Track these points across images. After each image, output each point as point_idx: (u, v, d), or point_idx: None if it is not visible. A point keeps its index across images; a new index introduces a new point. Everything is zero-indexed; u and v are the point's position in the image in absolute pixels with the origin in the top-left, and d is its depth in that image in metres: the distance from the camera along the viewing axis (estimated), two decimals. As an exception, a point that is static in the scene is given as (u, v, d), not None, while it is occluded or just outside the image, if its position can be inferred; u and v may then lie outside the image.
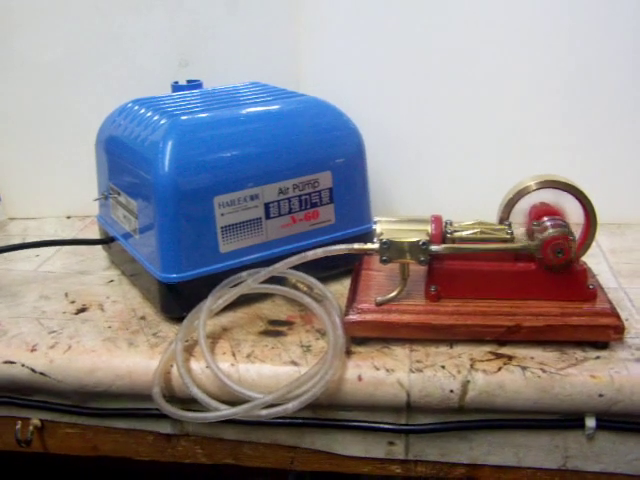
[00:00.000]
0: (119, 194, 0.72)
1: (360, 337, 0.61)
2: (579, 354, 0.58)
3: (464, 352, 0.59)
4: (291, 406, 0.54)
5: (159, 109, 0.69)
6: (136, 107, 0.72)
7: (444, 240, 0.61)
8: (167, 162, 0.62)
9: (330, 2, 0.83)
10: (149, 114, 0.69)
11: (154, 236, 0.65)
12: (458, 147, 0.85)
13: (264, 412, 0.54)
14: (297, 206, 0.68)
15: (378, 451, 0.61)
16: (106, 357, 0.61)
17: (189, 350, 0.61)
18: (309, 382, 0.55)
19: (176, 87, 0.81)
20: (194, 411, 0.56)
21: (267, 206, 0.67)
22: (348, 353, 0.59)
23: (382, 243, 0.60)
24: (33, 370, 0.61)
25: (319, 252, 0.61)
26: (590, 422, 0.57)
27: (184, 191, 0.63)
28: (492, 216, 0.64)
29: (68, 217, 0.95)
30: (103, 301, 0.71)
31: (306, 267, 0.62)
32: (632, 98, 0.80)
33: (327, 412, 0.59)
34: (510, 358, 0.58)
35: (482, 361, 0.58)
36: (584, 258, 0.63)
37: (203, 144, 0.64)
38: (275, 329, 0.64)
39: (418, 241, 0.59)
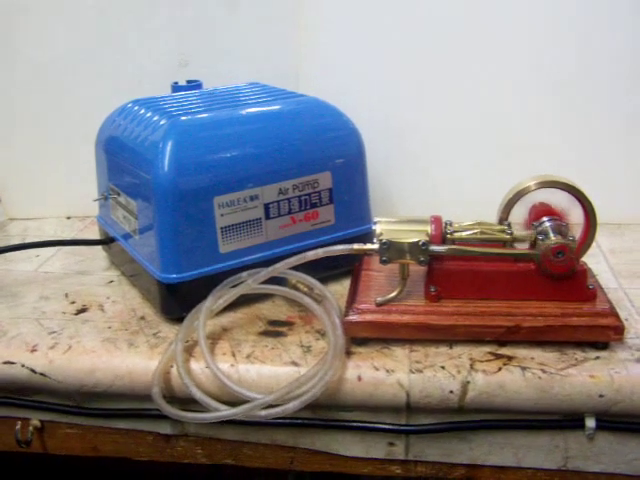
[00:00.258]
0: (119, 194, 0.72)
1: (360, 337, 0.61)
2: (579, 354, 0.58)
3: (464, 352, 0.59)
4: (291, 406, 0.54)
5: (159, 109, 0.69)
6: (136, 107, 0.72)
7: (444, 240, 0.61)
8: (167, 162, 0.62)
9: (330, 2, 0.83)
10: (149, 114, 0.69)
11: (154, 236, 0.65)
12: (458, 147, 0.85)
13: (264, 412, 0.54)
14: (297, 206, 0.68)
15: (378, 451, 0.61)
16: (106, 357, 0.61)
17: (189, 350, 0.61)
18: (309, 382, 0.55)
19: (176, 87, 0.80)
20: (194, 411, 0.56)
21: (267, 206, 0.67)
22: (348, 353, 0.59)
23: (382, 243, 0.60)
24: (33, 370, 0.61)
25: (319, 252, 0.61)
26: (590, 422, 0.57)
27: (184, 191, 0.63)
28: (492, 216, 0.64)
29: (68, 217, 0.95)
30: (103, 301, 0.71)
31: (306, 267, 0.62)
32: (632, 98, 0.80)
33: (327, 412, 0.59)
34: (510, 358, 0.58)
35: (482, 361, 0.58)
36: (584, 258, 0.63)
37: (203, 144, 0.64)
38: (275, 329, 0.64)
39: (418, 241, 0.59)
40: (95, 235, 0.83)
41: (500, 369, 0.57)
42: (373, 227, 0.61)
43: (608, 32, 0.78)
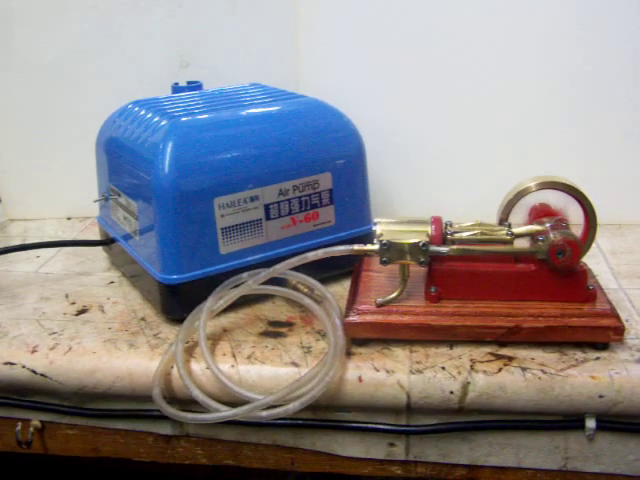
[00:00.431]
0: (119, 195, 0.72)
1: (360, 338, 0.61)
2: (579, 355, 0.58)
3: (464, 353, 0.59)
4: (291, 407, 0.54)
5: (159, 110, 0.69)
6: (136, 108, 0.72)
7: (444, 241, 0.61)
8: (167, 163, 0.62)
9: (330, 2, 0.83)
10: (149, 115, 0.69)
11: (154, 237, 0.65)
12: (458, 148, 0.85)
13: (264, 413, 0.54)
14: (297, 207, 0.68)
15: (378, 452, 0.61)
16: (106, 358, 0.61)
17: (189, 351, 0.61)
18: (309, 383, 0.55)
19: (176, 88, 0.81)
20: (194, 412, 0.56)
21: (267, 207, 0.67)
22: (348, 354, 0.59)
23: (382, 244, 0.60)
24: (33, 371, 0.61)
25: (319, 253, 0.61)
26: (590, 423, 0.57)
27: (184, 192, 0.63)
28: (492, 217, 0.64)
29: (68, 218, 0.95)
30: (103, 302, 0.71)
31: (306, 268, 0.62)
32: (632, 98, 0.80)
33: (327, 413, 0.59)
34: (510, 359, 0.58)
35: (482, 362, 0.58)
36: (584, 259, 0.63)
37: (203, 145, 0.64)
38: (275, 330, 0.64)
39: (418, 242, 0.59)
40: (95, 236, 0.83)
41: (500, 370, 0.57)
42: (373, 228, 0.61)
43: (608, 33, 0.78)
